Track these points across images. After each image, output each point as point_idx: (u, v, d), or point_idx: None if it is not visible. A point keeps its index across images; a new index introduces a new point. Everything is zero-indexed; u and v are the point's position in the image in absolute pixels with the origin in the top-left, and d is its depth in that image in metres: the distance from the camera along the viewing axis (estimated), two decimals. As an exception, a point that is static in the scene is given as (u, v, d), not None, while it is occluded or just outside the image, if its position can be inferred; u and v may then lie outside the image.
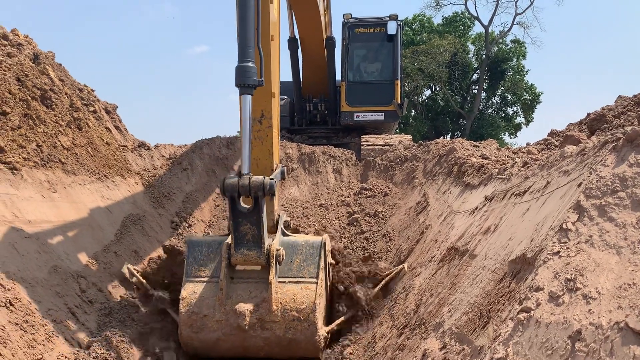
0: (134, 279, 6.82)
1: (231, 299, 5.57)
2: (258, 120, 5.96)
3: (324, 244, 6.04)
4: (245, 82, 5.13)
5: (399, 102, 14.64)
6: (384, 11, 48.03)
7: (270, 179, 5.26)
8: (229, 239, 5.63)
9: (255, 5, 5.24)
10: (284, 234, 6.16)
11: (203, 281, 5.74)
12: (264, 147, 6.03)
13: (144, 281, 6.71)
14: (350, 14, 15.02)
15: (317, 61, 14.06)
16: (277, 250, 5.55)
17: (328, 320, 6.21)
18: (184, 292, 5.68)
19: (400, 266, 6.81)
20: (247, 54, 5.13)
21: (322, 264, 5.88)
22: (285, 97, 14.72)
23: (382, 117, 14.71)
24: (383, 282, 6.65)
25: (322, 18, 12.59)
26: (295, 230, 7.34)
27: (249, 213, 5.36)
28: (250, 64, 5.12)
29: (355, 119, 14.66)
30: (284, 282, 5.68)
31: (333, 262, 6.60)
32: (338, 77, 15.03)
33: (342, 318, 6.31)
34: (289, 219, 6.65)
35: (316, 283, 5.72)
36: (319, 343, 5.67)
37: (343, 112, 14.75)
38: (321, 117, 15.30)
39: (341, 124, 14.95)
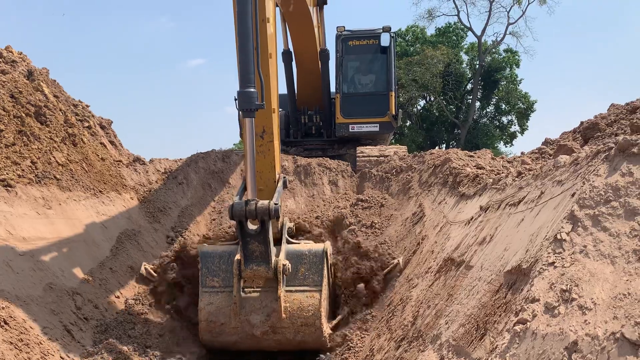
0: (152, 278, 7.38)
1: (245, 309, 6.19)
2: (260, 135, 6.24)
3: (326, 252, 6.50)
4: (248, 107, 5.46)
5: (394, 113, 14.70)
6: (377, 23, 48.38)
7: (275, 203, 5.66)
8: (238, 255, 5.98)
9: (253, 27, 5.48)
10: (288, 242, 6.59)
11: (217, 291, 6.32)
12: (266, 161, 6.32)
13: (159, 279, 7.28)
14: (344, 27, 15.12)
15: (312, 73, 14.11)
16: (284, 265, 5.95)
17: (332, 313, 6.94)
18: (201, 304, 6.32)
19: (395, 260, 7.21)
20: (249, 79, 5.43)
21: (325, 271, 6.39)
22: (280, 109, 14.75)
23: (377, 129, 14.79)
24: (382, 275, 7.16)
25: (316, 30, 12.66)
26: (300, 228, 7.68)
27: (257, 234, 5.75)
28: (252, 89, 5.42)
29: (350, 130, 14.72)
30: (291, 291, 6.25)
31: (334, 261, 7.10)
32: (332, 89, 15.08)
33: (340, 316, 6.88)
34: (292, 224, 7.04)
35: (320, 291, 6.29)
36: (325, 341, 6.36)
37: (338, 124, 14.80)
38: (316, 129, 15.33)
39: (336, 135, 14.99)
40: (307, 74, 14.15)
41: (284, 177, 6.68)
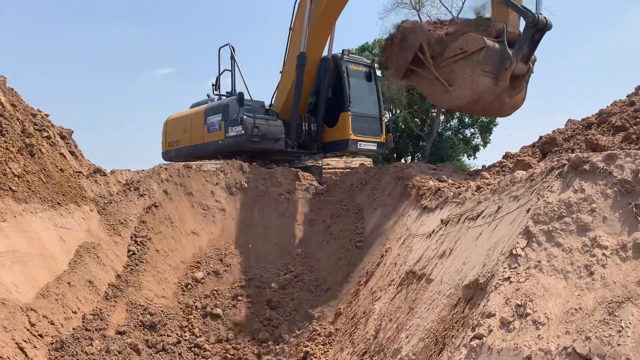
0: None
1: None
2: None
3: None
4: None
5: (388, 134, 15.50)
6: (345, 37, 49.41)
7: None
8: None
9: None
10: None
11: (487, 76, 8.93)
12: None
13: None
14: (349, 50, 15.56)
15: (312, 80, 14.29)
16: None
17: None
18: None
19: None
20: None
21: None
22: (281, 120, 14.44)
23: (375, 147, 15.40)
24: None
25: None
26: None
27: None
28: None
29: (358, 147, 15.01)
30: None
31: None
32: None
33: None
34: None
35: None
36: None
37: (351, 139, 14.86)
38: (311, 139, 15.11)
39: (347, 150, 15.06)
40: (309, 80, 14.24)
41: None
